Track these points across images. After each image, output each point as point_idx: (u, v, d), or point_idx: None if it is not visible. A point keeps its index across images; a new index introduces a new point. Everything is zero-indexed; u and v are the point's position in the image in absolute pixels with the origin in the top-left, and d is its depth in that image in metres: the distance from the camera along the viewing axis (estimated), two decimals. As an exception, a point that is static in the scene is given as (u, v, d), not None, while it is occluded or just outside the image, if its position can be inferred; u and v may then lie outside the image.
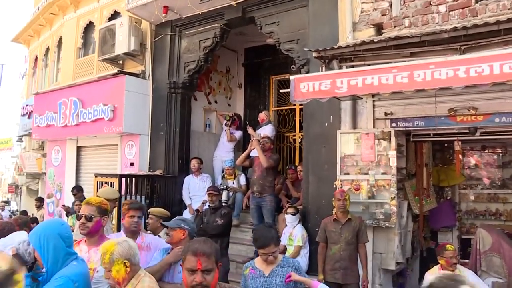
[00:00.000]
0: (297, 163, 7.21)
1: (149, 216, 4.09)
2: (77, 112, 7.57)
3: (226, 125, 7.38)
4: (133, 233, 3.17)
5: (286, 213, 5.01)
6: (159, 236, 3.98)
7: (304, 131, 5.57)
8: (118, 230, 4.73)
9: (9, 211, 13.77)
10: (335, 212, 4.18)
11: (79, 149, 8.37)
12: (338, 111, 4.95)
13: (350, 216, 4.13)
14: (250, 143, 5.78)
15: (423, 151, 5.34)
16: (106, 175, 6.18)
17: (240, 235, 6.32)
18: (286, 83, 7.64)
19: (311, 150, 5.20)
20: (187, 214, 6.29)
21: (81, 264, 2.29)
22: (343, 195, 4.10)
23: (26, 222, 4.04)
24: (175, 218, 3.17)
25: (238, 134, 7.51)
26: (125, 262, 2.21)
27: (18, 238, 2.18)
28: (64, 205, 7.55)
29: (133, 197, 5.88)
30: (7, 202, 24.76)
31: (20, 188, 16.82)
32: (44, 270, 2.15)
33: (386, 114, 4.63)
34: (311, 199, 5.10)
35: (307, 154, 5.26)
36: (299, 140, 7.43)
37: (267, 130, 6.56)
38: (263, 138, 5.83)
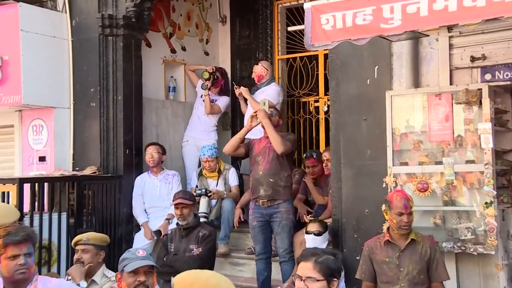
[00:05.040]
0: (321, 148, 7.24)
1: (80, 246, 4.27)
2: None
3: (203, 87, 7.34)
4: (18, 283, 3.19)
5: (307, 233, 5.11)
6: (91, 281, 4.20)
7: (331, 94, 5.60)
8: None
9: None
10: (387, 230, 4.25)
11: None
12: (387, 59, 5.05)
13: (414, 237, 4.13)
14: (248, 116, 5.80)
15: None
16: None
17: (230, 271, 6.34)
18: (300, 15, 7.47)
19: (344, 126, 5.28)
20: (141, 239, 6.38)
21: None
22: (407, 205, 4.08)
23: None
24: (129, 250, 3.39)
25: (222, 101, 7.57)
26: None
27: None
28: None
29: (45, 216, 5.89)
30: None
31: None
32: None
33: (473, 59, 4.69)
34: (346, 208, 5.17)
35: (337, 132, 5.31)
36: (325, 108, 7.43)
37: (269, 94, 6.64)
38: (270, 107, 5.83)
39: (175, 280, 2.19)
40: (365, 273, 4.22)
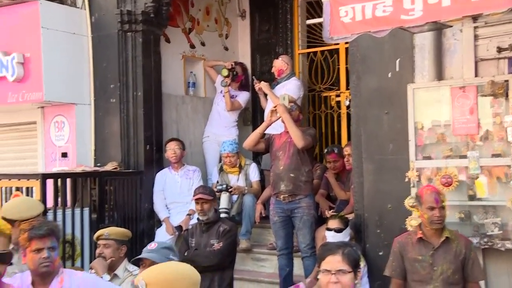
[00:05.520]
0: (343, 142, 7.27)
1: (102, 241, 4.33)
2: None
3: (222, 84, 7.33)
4: (44, 276, 3.24)
5: (327, 229, 5.08)
6: (114, 275, 4.25)
7: (352, 87, 5.60)
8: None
9: None
10: (419, 226, 4.20)
11: None
12: (409, 52, 5.01)
13: (448, 235, 4.08)
14: (268, 111, 5.76)
15: None
16: (19, 176, 6.16)
17: (252, 266, 6.38)
18: (320, 8, 7.33)
19: (365, 120, 5.27)
20: (163, 234, 6.41)
21: None
22: (438, 199, 4.03)
23: None
24: (153, 245, 3.44)
25: (243, 97, 7.56)
26: None
27: None
28: None
29: (68, 211, 5.95)
30: None
31: None
32: None
33: (499, 49, 4.63)
34: (368, 203, 5.16)
35: (358, 126, 5.30)
36: (347, 102, 7.44)
37: (290, 88, 6.61)
38: (290, 102, 5.80)
39: (145, 279, 2.23)
40: (395, 270, 4.18)
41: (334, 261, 2.78)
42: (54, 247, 3.28)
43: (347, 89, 7.36)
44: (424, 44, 4.89)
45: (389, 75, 5.03)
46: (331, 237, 4.98)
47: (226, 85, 7.27)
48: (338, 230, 4.98)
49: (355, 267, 2.81)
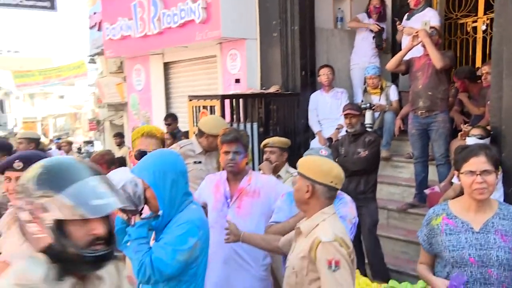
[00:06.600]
0: (477, 64, 7.01)
1: (268, 148, 4.30)
2: (158, 16, 7.93)
3: (368, 16, 7.11)
4: (233, 174, 3.39)
5: (469, 136, 4.76)
6: (278, 176, 4.17)
7: (496, 8, 5.07)
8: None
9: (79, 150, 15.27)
10: None
11: (166, 66, 8.95)
12: None
13: None
14: (410, 38, 5.49)
15: None
16: (204, 97, 6.41)
17: (391, 172, 6.35)
18: None
19: (509, 39, 4.76)
20: (316, 145, 6.39)
21: (200, 208, 2.51)
22: None
23: (113, 160, 4.34)
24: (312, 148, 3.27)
25: (385, 28, 7.23)
26: None
27: (124, 176, 2.33)
28: None
29: (241, 125, 6.13)
30: (90, 142, 28.32)
31: (102, 124, 18.75)
32: (160, 213, 2.33)
33: None
34: (506, 116, 4.77)
35: (501, 45, 4.82)
36: (483, 27, 7.04)
37: (430, 16, 6.17)
38: (430, 27, 5.49)
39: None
40: None
41: (478, 162, 2.47)
42: (239, 152, 3.36)
43: (485, 14, 7.00)
44: None
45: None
46: (473, 142, 4.58)
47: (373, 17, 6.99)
48: (481, 137, 4.65)
49: (496, 167, 2.53)
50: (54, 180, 1.40)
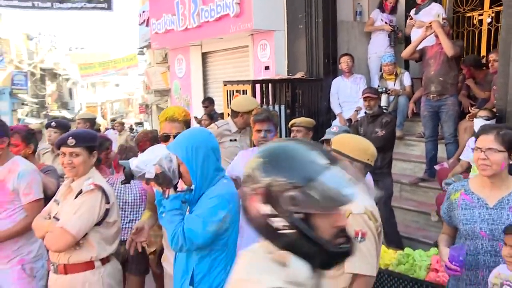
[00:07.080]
0: (482, 53, 6.85)
1: (295, 128, 4.24)
2: (198, 11, 8.03)
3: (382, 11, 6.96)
4: None
5: (476, 118, 4.68)
6: None
7: (505, 0, 4.87)
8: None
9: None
10: None
11: (204, 55, 9.04)
12: None
13: None
14: (423, 28, 5.39)
15: None
16: (237, 82, 6.43)
17: (404, 150, 6.31)
18: None
19: None
20: (337, 125, 6.26)
21: (231, 182, 2.39)
22: None
23: (156, 137, 4.29)
24: (334, 129, 3.28)
25: (395, 20, 7.08)
26: None
27: (160, 152, 2.26)
28: (196, 117, 8.16)
29: (270, 107, 6.08)
30: (140, 124, 28.87)
31: (150, 107, 19.12)
32: (193, 187, 2.26)
33: None
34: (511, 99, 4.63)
35: (508, 34, 4.69)
36: (489, 20, 6.87)
37: (439, 9, 6.00)
38: (443, 19, 5.45)
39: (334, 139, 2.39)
40: None
41: (486, 140, 2.34)
42: (270, 130, 3.31)
43: (490, 7, 6.81)
44: None
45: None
46: (479, 123, 4.51)
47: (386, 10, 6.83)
48: (487, 119, 4.53)
49: (509, 148, 2.33)
50: (303, 170, 1.15)
